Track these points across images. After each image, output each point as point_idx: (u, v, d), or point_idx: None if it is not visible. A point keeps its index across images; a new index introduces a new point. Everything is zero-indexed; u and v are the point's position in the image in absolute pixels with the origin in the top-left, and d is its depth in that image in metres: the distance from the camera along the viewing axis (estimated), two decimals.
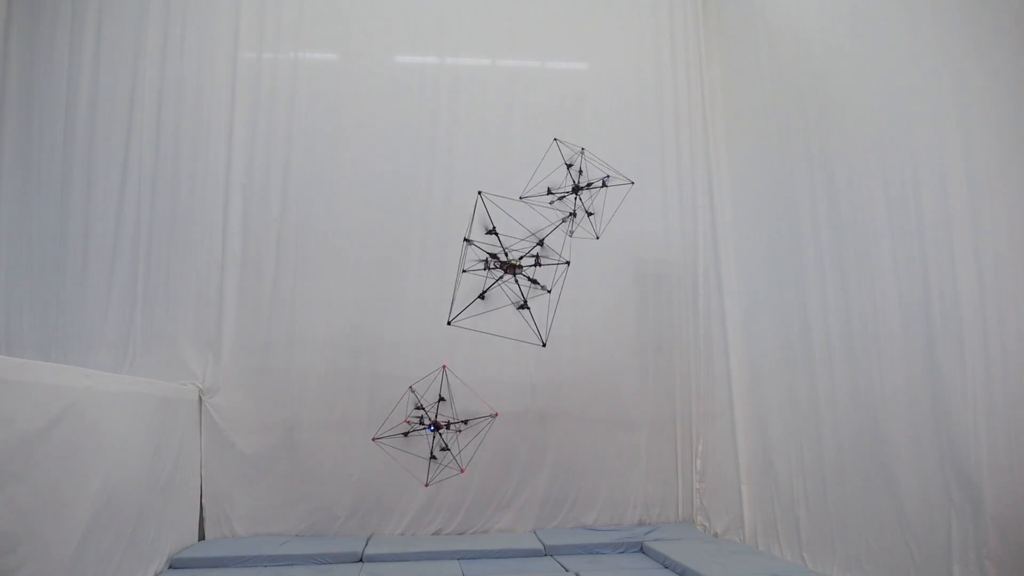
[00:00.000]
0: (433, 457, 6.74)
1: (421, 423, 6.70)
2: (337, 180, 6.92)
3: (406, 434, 6.69)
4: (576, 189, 7.23)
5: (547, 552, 6.18)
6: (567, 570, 5.56)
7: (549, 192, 7.21)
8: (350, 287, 6.81)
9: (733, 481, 6.68)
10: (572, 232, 7.18)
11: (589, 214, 7.25)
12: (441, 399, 6.78)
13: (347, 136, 6.98)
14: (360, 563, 5.84)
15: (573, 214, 7.21)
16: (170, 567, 5.55)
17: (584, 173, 7.28)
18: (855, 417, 5.14)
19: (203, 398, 6.43)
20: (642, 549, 6.23)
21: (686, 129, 7.51)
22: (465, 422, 6.80)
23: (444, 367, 6.80)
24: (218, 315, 6.55)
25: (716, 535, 6.72)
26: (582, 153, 7.27)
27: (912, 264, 4.69)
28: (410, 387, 6.73)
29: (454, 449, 6.77)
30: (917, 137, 4.69)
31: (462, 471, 6.75)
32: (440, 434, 6.72)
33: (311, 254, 6.79)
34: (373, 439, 6.61)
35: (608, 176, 7.23)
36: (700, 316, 7.24)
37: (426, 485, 6.68)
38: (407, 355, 6.80)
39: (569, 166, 7.27)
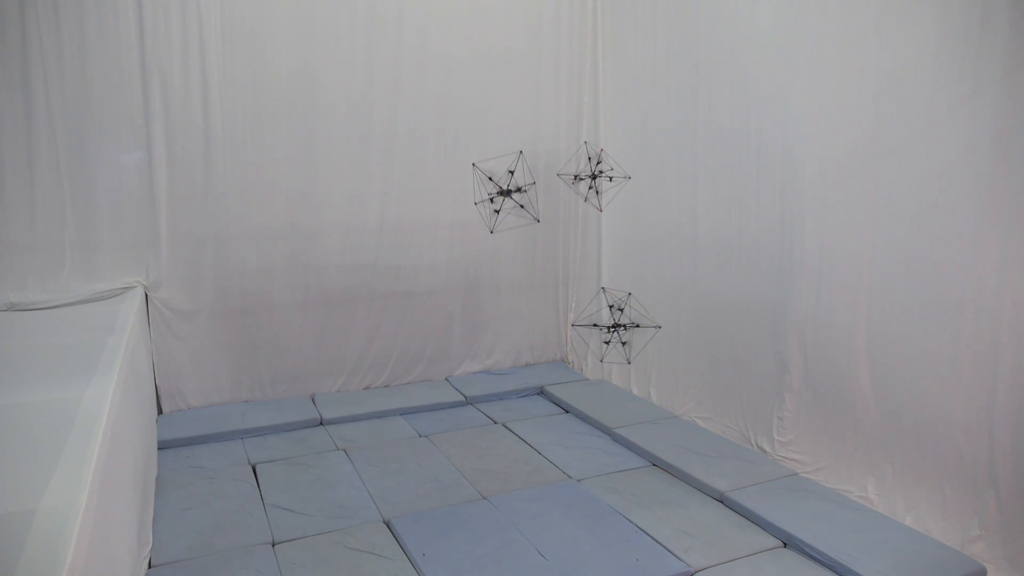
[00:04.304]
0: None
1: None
2: (256, 75, 6.86)
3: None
4: None
5: (468, 402, 7.75)
6: (495, 422, 7.20)
7: None
8: (279, 181, 7.13)
9: (596, 333, 8.56)
10: None
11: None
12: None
13: (264, 29, 6.81)
14: (322, 426, 7.02)
15: None
16: (159, 449, 6.34)
17: None
18: (710, 297, 6.99)
19: (148, 294, 6.75)
20: (542, 393, 8.05)
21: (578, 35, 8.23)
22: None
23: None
24: (153, 214, 6.65)
25: (583, 372, 8.72)
26: None
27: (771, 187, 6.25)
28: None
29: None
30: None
31: None
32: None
33: (238, 150, 6.91)
34: None
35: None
36: (580, 198, 8.59)
37: None
38: (335, 244, 7.49)
39: None
